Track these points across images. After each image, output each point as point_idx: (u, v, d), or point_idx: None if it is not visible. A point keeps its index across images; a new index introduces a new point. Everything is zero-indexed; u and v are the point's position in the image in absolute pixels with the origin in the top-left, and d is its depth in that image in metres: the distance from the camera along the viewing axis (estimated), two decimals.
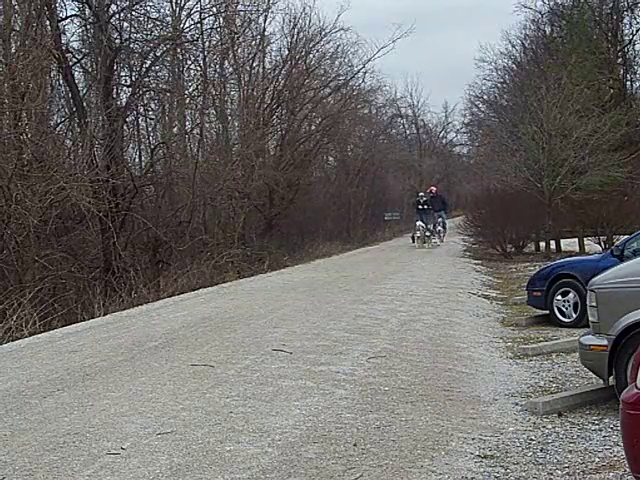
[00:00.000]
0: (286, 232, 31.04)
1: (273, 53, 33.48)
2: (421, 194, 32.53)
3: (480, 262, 23.50)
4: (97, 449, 5.40)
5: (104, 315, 13.69)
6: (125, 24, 23.22)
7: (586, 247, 22.47)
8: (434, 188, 33.98)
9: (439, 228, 31.24)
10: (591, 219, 23.34)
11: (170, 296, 16.23)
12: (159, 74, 25.68)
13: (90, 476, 4.92)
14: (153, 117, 27.02)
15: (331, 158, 42.22)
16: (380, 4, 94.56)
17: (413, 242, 31.37)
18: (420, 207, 31.13)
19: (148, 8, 23.75)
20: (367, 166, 42.11)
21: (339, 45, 35.08)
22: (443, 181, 71.58)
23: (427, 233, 29.60)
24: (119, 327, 11.34)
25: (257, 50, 31.24)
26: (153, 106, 26.51)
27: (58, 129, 21.41)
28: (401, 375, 7.66)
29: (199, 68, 27.35)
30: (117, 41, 22.32)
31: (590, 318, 6.86)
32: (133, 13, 23.26)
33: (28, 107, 16.98)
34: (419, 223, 29.95)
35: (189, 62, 26.87)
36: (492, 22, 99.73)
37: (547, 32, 41.20)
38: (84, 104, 21.59)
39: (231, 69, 30.34)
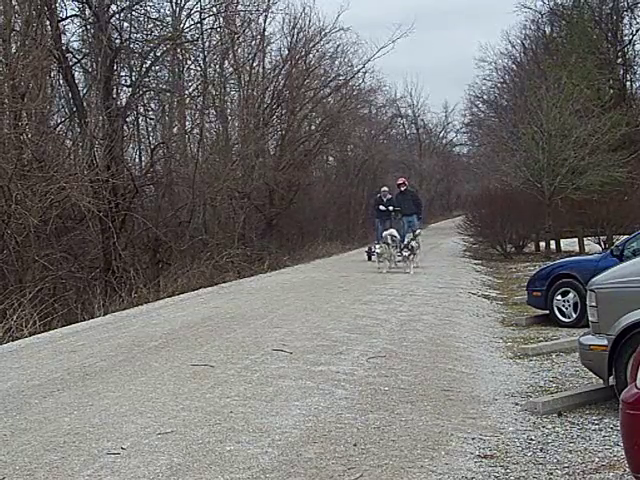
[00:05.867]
0: (286, 232, 30.99)
1: (273, 53, 33.54)
2: (384, 189, 23.26)
3: (480, 262, 23.51)
4: (97, 449, 5.40)
5: (104, 315, 13.68)
6: (125, 24, 23.25)
7: (586, 247, 22.49)
8: (404, 180, 23.13)
9: (412, 243, 19.07)
10: (591, 219, 23.38)
11: (170, 296, 16.22)
12: (159, 74, 25.74)
13: (90, 476, 4.92)
14: (153, 117, 27.03)
15: (331, 158, 42.22)
16: (380, 4, 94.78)
17: (369, 259, 21.45)
18: (382, 208, 22.12)
19: (148, 8, 23.80)
20: (367, 166, 42.10)
21: (339, 45, 35.17)
22: (443, 181, 71.82)
23: (405, 252, 18.88)
24: (119, 327, 11.34)
25: (257, 50, 31.25)
26: (153, 106, 26.55)
27: (58, 129, 21.38)
28: (401, 375, 7.66)
29: (199, 68, 27.41)
30: (117, 41, 22.31)
31: (590, 318, 6.86)
32: (133, 13, 23.27)
33: (28, 107, 16.97)
34: (388, 232, 19.48)
35: (189, 62, 26.91)
36: (492, 22, 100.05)
37: (547, 32, 41.28)
38: (84, 104, 21.58)
39: (231, 69, 30.34)
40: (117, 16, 22.72)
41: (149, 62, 23.60)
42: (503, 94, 44.02)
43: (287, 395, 6.77)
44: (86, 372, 7.93)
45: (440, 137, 74.49)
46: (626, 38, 38.24)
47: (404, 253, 18.92)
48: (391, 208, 21.86)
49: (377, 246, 19.41)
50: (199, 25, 26.30)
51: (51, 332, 11.63)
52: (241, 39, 30.08)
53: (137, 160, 26.45)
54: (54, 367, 8.29)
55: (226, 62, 29.73)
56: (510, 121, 30.33)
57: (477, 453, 5.40)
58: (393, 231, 19.75)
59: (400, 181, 22.78)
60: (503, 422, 6.20)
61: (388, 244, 18.94)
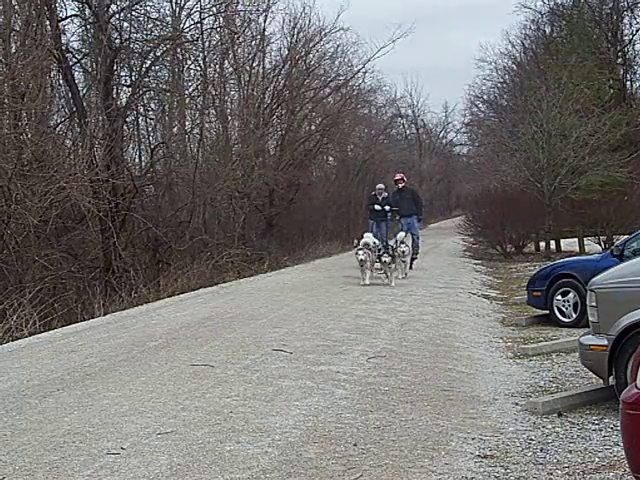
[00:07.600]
0: (286, 232, 30.99)
1: (273, 53, 33.49)
2: (380, 186, 20.66)
3: (480, 262, 23.52)
4: (97, 449, 5.40)
5: (104, 315, 13.67)
6: (125, 24, 23.22)
7: (586, 247, 22.50)
8: (402, 175, 20.27)
9: (402, 247, 16.54)
10: (591, 219, 23.41)
11: (170, 296, 16.21)
12: (159, 74, 25.73)
13: (90, 476, 4.92)
14: (153, 117, 27.02)
15: (331, 158, 42.21)
16: (380, 4, 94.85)
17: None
18: (378, 208, 19.50)
19: (148, 8, 23.78)
20: (367, 166, 42.10)
21: (339, 45, 35.14)
22: (443, 181, 71.87)
23: (385, 258, 15.83)
24: (119, 327, 11.34)
25: (257, 50, 31.24)
26: (153, 106, 26.53)
27: (58, 129, 21.37)
28: (401, 375, 7.66)
29: (199, 68, 27.39)
30: (117, 41, 22.30)
31: (590, 318, 6.86)
32: (133, 13, 23.26)
33: (28, 107, 16.96)
34: (368, 238, 16.67)
35: (189, 62, 26.91)
36: (492, 22, 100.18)
37: (547, 32, 41.35)
38: (84, 104, 21.57)
39: (231, 69, 30.34)
40: (117, 16, 22.71)
41: (149, 62, 23.59)
42: (503, 94, 44.11)
43: (287, 395, 6.76)
44: (86, 372, 7.92)
45: (440, 137, 74.70)
46: (626, 38, 38.30)
47: (383, 259, 15.82)
48: (387, 208, 19.21)
49: (360, 254, 15.80)
50: (199, 25, 26.31)
51: (51, 332, 11.62)
52: (241, 39, 30.09)
53: (137, 160, 26.47)
54: (54, 367, 8.29)
55: (226, 62, 29.74)
56: (510, 121, 30.36)
57: (477, 453, 5.40)
58: (370, 237, 16.98)
59: (398, 177, 19.93)
60: (503, 422, 6.20)
61: (375, 249, 16.15)
